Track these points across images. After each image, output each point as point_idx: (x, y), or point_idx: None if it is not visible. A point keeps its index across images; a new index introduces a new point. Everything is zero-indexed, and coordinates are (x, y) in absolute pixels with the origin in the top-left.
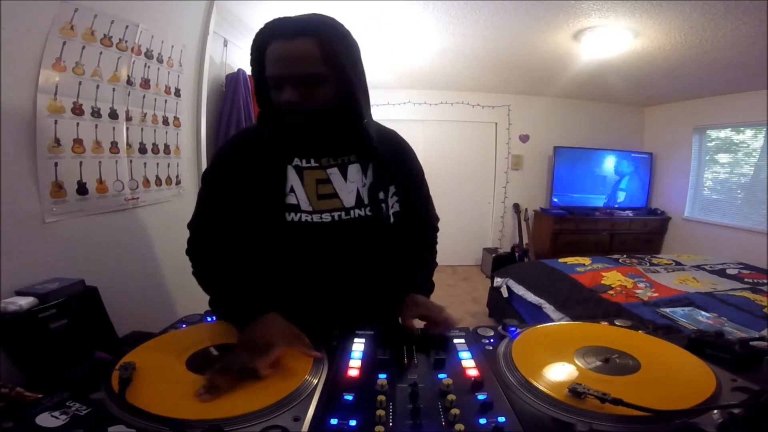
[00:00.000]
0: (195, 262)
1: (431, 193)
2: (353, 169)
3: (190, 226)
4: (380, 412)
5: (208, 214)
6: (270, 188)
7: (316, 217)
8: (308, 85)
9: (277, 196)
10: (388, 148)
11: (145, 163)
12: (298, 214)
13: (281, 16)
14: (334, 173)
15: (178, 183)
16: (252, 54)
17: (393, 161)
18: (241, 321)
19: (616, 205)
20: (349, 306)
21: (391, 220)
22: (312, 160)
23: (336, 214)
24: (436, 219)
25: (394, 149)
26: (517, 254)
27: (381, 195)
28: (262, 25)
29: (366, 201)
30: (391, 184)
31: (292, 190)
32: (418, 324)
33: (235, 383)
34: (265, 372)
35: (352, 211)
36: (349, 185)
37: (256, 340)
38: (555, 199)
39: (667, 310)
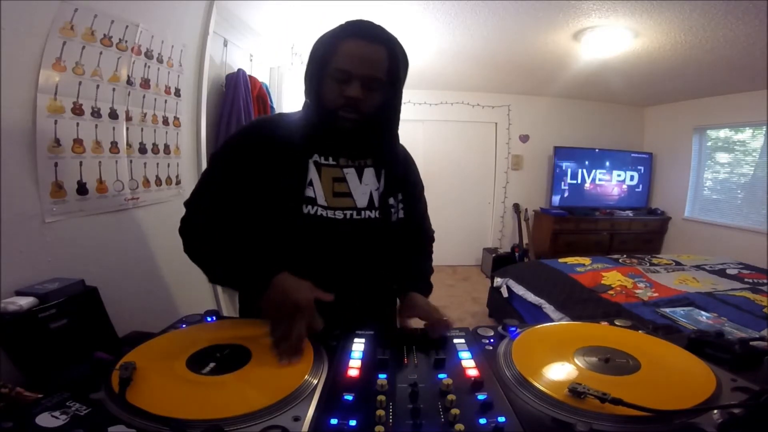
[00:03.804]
0: (188, 238)
1: (431, 196)
2: (369, 173)
3: (188, 203)
4: (380, 412)
5: (210, 195)
6: (291, 179)
7: (329, 213)
8: (370, 87)
9: (298, 187)
10: (399, 159)
11: (145, 163)
12: (315, 208)
13: (361, 19)
14: (350, 173)
15: (178, 183)
16: (322, 45)
17: (402, 171)
18: (255, 284)
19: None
20: (351, 301)
21: (397, 224)
22: (330, 158)
23: (348, 213)
24: (432, 231)
25: (403, 161)
26: (517, 254)
27: (391, 201)
28: (342, 22)
29: (377, 204)
30: (400, 191)
31: (311, 183)
32: (416, 323)
33: (302, 340)
34: (319, 324)
35: (363, 212)
36: (363, 187)
37: (280, 300)
38: (558, 195)
39: (667, 310)
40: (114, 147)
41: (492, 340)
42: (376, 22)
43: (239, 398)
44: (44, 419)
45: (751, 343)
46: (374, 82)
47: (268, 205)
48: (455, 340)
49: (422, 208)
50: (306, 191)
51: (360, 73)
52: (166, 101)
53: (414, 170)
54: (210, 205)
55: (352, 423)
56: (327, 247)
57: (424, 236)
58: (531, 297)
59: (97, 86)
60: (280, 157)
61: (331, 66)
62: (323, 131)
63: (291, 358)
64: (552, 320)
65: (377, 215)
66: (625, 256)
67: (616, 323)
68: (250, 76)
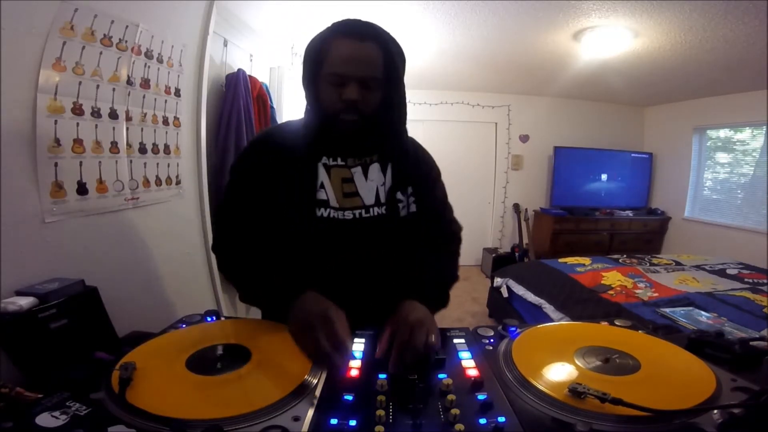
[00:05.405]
0: (222, 257)
1: None
2: (374, 168)
3: (216, 219)
4: (380, 412)
5: (235, 207)
6: (302, 184)
7: (340, 214)
8: (368, 87)
9: (309, 191)
10: (408, 152)
11: (145, 163)
12: (328, 210)
13: (350, 18)
14: (357, 172)
15: (178, 183)
16: (313, 49)
17: (411, 163)
18: (282, 303)
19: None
20: (363, 302)
21: (408, 219)
22: (339, 159)
23: (357, 212)
24: (458, 227)
25: (412, 153)
26: (517, 254)
27: (399, 195)
28: (330, 24)
29: (383, 200)
30: (410, 184)
31: (322, 186)
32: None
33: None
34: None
35: (371, 209)
36: (370, 184)
37: (309, 314)
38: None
39: (667, 310)
40: (114, 147)
41: (492, 340)
42: (372, 20)
43: (239, 398)
44: (44, 419)
45: (751, 343)
46: (371, 82)
47: (282, 212)
48: (455, 340)
49: (439, 195)
50: (318, 194)
51: (355, 74)
52: (166, 101)
53: (426, 159)
54: (236, 218)
55: (352, 423)
56: (339, 249)
57: (445, 231)
58: (531, 297)
59: (97, 86)
60: (291, 164)
61: (324, 70)
62: (327, 134)
63: (336, 357)
64: (552, 320)
65: (384, 211)
66: (625, 256)
67: (616, 323)
68: (250, 76)
